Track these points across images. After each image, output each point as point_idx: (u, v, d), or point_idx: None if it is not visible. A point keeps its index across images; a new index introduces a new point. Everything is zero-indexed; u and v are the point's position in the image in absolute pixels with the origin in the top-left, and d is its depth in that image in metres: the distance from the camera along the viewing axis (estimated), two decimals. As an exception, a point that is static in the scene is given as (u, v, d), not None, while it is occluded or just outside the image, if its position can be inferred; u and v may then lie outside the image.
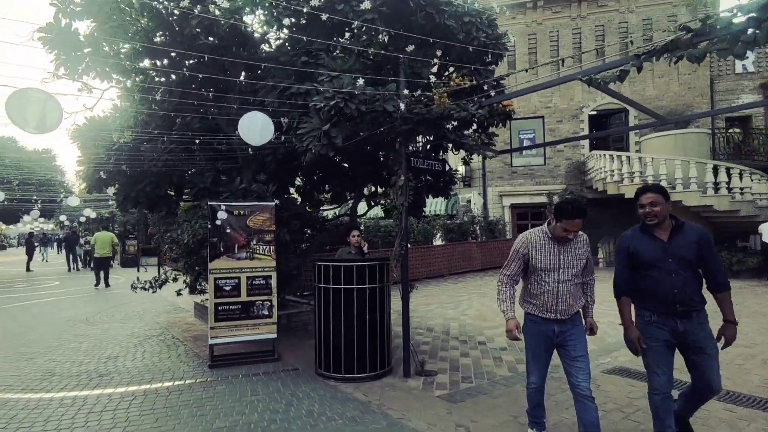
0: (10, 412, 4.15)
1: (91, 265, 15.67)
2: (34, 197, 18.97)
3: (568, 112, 17.21)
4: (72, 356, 6.01)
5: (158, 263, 15.79)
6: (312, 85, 4.99)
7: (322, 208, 9.50)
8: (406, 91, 4.74)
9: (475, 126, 5.96)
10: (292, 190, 8.26)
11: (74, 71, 5.31)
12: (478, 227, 16.44)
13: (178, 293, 8.06)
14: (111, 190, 7.54)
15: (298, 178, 8.09)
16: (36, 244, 22.57)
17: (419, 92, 4.90)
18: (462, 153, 6.33)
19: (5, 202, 17.00)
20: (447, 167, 6.02)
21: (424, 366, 5.05)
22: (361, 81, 4.61)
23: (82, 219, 31.04)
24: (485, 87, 5.43)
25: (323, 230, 8.02)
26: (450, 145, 5.97)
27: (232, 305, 5.48)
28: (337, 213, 10.78)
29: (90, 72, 5.43)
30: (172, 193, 7.39)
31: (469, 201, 18.52)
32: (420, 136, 5.70)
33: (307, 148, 4.84)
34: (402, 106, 4.64)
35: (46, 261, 24.87)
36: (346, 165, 7.66)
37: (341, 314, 4.68)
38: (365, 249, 5.91)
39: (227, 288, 5.48)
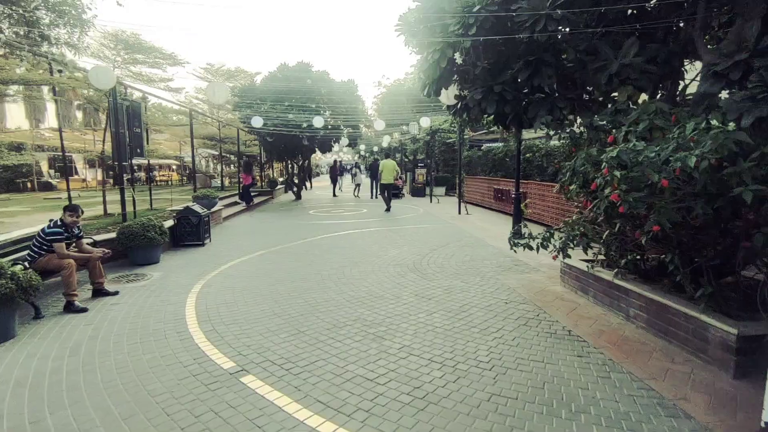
0: None
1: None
2: (341, 125, 20.04)
3: None
4: (430, 343, 3.87)
5: (458, 197, 14.06)
6: None
7: None
8: None
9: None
10: None
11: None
12: None
13: (565, 255, 5.18)
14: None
15: None
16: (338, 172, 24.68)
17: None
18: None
19: (323, 131, 18.26)
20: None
21: None
22: None
23: (375, 148, 33.67)
24: None
25: None
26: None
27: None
28: None
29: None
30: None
31: None
32: None
33: None
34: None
35: (341, 189, 27.27)
36: None
37: None
38: None
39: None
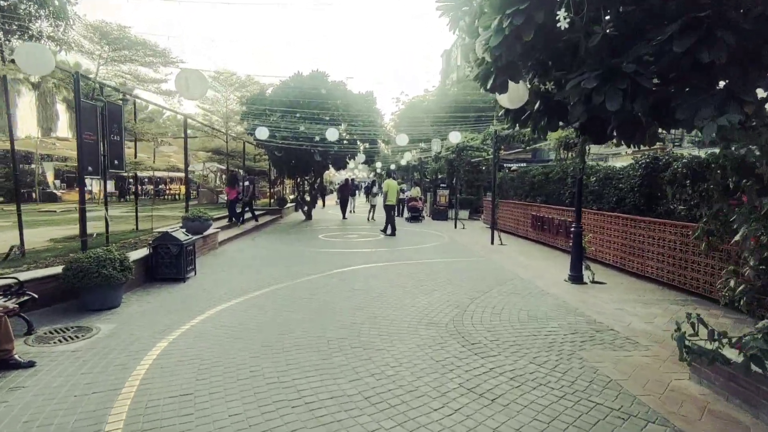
0: None
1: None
2: (357, 140, 18.44)
3: None
4: None
5: (492, 224, 12.19)
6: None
7: None
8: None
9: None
10: None
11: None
12: None
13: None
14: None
15: None
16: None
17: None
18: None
19: (336, 147, 16.66)
20: None
21: None
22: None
23: (393, 166, 32.03)
24: None
25: None
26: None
27: None
28: None
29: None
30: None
31: None
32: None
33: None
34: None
35: (353, 211, 23.57)
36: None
37: None
38: None
39: None
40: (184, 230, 7.95)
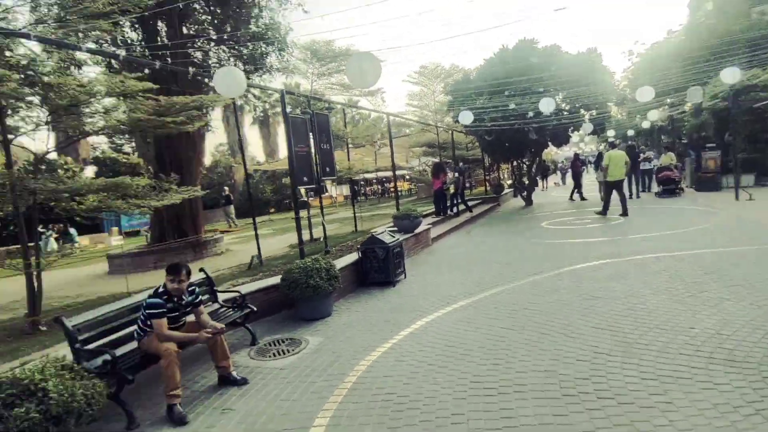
0: None
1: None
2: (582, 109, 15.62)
3: None
4: None
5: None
6: None
7: None
8: None
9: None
10: None
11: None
12: None
13: None
14: None
15: None
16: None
17: None
18: None
19: (555, 119, 14.38)
20: None
21: None
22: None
23: (630, 132, 26.71)
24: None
25: None
26: None
27: None
28: None
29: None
30: None
31: None
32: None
33: None
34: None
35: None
36: None
37: None
38: None
39: None
40: (394, 230, 7.72)
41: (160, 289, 3.71)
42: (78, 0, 5.82)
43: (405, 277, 7.17)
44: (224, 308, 4.88)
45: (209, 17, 10.15)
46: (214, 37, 9.40)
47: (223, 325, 3.90)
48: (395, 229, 8.96)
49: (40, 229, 16.36)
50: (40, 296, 5.16)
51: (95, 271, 11.32)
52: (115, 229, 20.81)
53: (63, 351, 3.70)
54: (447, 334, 4.54)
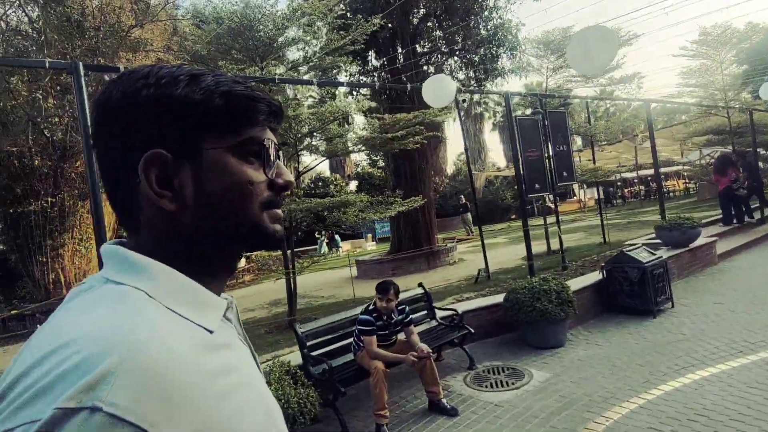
0: None
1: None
2: None
3: None
4: None
5: None
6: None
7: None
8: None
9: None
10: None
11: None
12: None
13: None
14: None
15: None
16: None
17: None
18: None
19: None
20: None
21: None
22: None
23: None
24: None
25: None
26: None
27: None
28: None
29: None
30: None
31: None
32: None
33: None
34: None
35: None
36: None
37: None
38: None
39: None
40: (657, 242, 6.07)
41: (371, 307, 3.75)
42: (329, 40, 6.75)
43: (672, 306, 5.50)
44: (442, 326, 4.68)
45: (440, 32, 10.44)
46: (446, 50, 9.59)
47: (430, 350, 3.67)
48: (658, 241, 7.12)
49: (316, 234, 20.50)
50: (295, 297, 6.13)
51: (347, 274, 13.13)
52: (369, 235, 24.11)
53: (292, 355, 4.16)
54: (735, 400, 3.11)
